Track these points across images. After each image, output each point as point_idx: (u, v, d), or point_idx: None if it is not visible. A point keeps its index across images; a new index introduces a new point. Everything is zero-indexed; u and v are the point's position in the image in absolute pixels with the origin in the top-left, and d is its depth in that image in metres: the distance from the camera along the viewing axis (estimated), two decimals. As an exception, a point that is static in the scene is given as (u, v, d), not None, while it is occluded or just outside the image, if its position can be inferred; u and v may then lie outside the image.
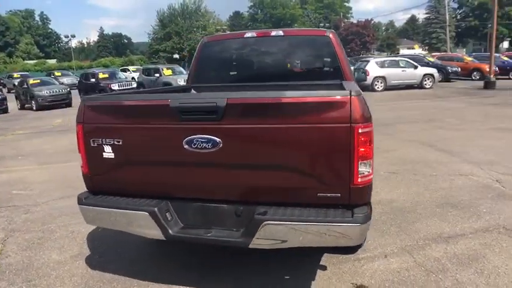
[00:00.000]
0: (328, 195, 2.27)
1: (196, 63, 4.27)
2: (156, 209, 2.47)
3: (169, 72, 20.74)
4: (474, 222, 3.95)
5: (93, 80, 19.90)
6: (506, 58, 23.69)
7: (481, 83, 18.64)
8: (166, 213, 2.52)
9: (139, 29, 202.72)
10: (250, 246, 2.32)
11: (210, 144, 2.32)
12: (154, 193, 2.62)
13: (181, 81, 16.96)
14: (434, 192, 4.84)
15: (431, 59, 23.20)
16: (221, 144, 2.30)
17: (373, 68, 18.39)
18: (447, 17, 53.60)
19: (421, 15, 73.49)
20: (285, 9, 67.79)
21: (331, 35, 4.05)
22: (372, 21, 62.58)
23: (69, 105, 17.60)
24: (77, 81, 25.55)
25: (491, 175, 5.39)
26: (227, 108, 2.26)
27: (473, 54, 28.85)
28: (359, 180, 2.23)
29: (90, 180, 2.73)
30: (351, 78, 4.00)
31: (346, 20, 67.48)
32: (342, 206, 2.31)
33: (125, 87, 17.92)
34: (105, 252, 3.67)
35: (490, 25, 60.82)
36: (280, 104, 2.27)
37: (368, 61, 19.39)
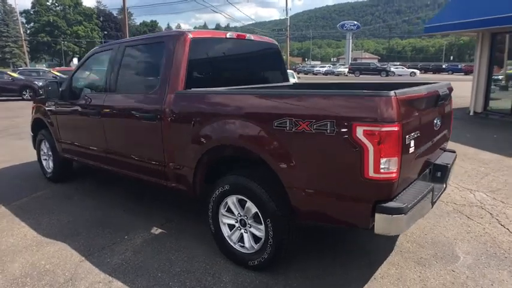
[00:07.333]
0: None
1: (185, 62, 3.16)
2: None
3: None
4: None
5: None
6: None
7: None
8: None
9: None
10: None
11: (439, 122, 2.89)
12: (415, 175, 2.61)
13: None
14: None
15: (57, 73, 22.46)
16: (440, 121, 2.89)
17: None
18: (22, 31, 51.59)
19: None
20: None
21: (277, 44, 4.51)
22: None
23: None
24: None
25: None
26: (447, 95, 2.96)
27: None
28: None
29: (394, 185, 2.17)
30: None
31: None
32: None
33: None
34: None
35: (62, 42, 64.94)
36: (450, 91, 3.15)
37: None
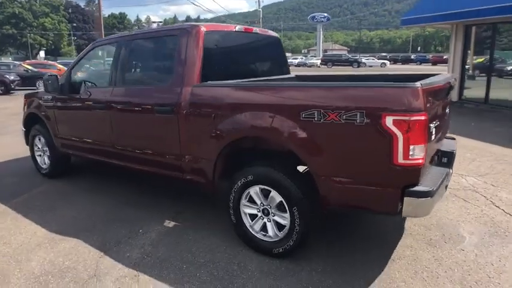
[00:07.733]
0: None
1: (200, 55, 3.17)
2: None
3: None
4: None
5: None
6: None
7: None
8: None
9: None
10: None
11: (448, 111, 3.14)
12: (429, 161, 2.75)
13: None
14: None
15: (29, 67, 21.58)
16: (448, 110, 3.12)
17: None
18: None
19: None
20: None
21: (278, 37, 4.58)
22: None
23: None
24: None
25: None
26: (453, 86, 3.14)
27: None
28: None
29: (421, 170, 2.29)
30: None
31: None
32: None
33: None
34: None
35: (28, 34, 61.83)
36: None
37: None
